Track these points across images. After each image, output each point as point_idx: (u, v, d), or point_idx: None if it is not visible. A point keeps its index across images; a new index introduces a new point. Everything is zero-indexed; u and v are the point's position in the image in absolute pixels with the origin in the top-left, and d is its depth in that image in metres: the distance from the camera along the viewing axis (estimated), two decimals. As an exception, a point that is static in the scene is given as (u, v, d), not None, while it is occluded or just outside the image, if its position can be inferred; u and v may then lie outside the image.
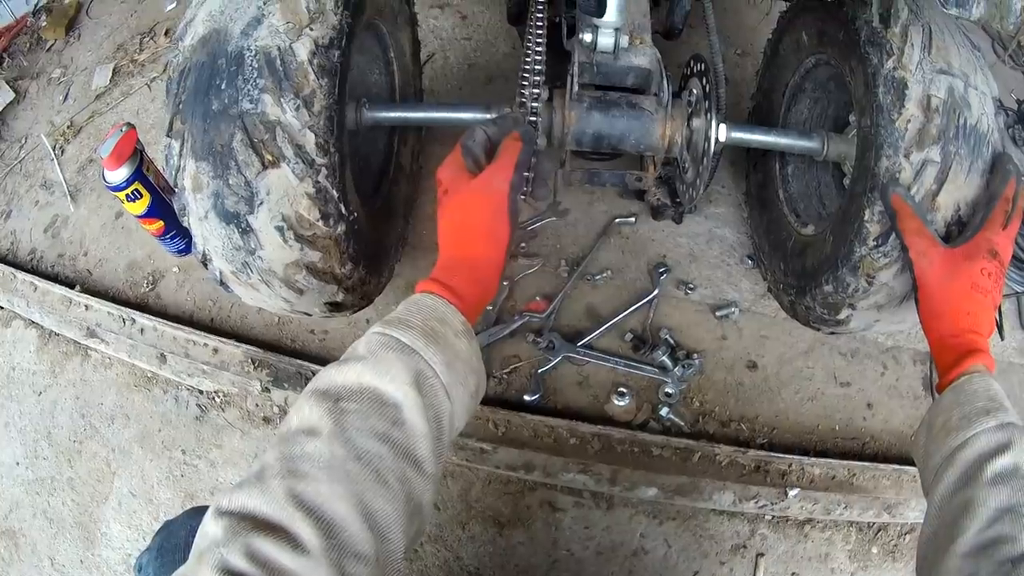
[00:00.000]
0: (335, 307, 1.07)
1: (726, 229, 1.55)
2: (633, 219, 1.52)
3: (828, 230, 1.14)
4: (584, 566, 1.24)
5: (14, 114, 1.83)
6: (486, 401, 1.25)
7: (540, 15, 1.23)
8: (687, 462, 1.27)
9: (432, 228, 0.90)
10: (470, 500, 1.28)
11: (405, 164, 1.40)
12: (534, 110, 1.13)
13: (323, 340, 1.41)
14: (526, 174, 0.92)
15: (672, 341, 1.38)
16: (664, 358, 1.34)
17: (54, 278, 1.53)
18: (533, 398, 1.32)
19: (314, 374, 1.29)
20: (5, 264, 1.56)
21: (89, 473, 1.34)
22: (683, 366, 1.34)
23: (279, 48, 0.88)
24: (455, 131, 1.01)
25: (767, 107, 1.43)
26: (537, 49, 1.18)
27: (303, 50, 0.89)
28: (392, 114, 1.18)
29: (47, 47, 1.94)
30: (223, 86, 0.88)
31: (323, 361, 1.36)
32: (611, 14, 1.13)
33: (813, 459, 1.29)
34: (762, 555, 1.26)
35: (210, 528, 0.56)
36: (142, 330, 1.40)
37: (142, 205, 1.33)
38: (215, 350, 1.36)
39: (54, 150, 1.71)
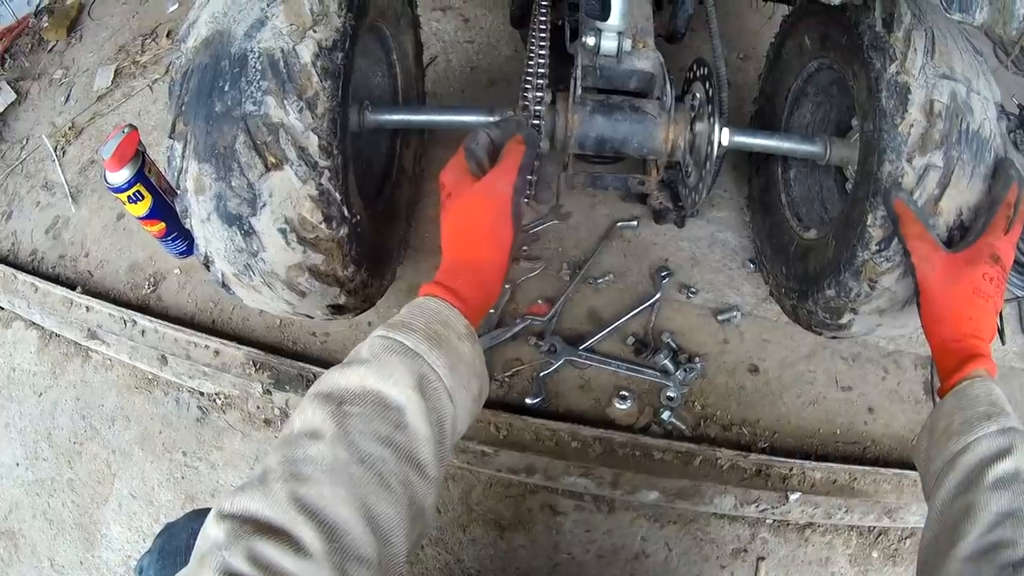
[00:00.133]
0: (337, 310, 1.07)
1: (728, 233, 1.55)
2: (635, 223, 1.52)
3: (830, 234, 1.14)
4: (585, 569, 1.24)
5: (15, 115, 1.83)
6: (488, 404, 1.24)
7: (543, 18, 1.23)
8: (688, 466, 1.27)
9: (434, 231, 0.90)
10: (471, 503, 1.28)
11: (407, 167, 1.40)
12: (537, 113, 1.13)
13: (325, 342, 1.41)
14: (529, 177, 0.92)
15: (674, 345, 1.38)
16: (666, 362, 1.34)
17: (55, 279, 1.53)
18: (535, 401, 1.32)
19: (315, 376, 1.30)
20: (6, 265, 1.56)
21: (89, 474, 1.34)
22: (685, 370, 1.34)
23: (283, 50, 0.88)
24: (457, 134, 1.01)
25: (769, 111, 1.43)
26: (540, 52, 1.18)
27: (307, 52, 0.89)
28: (395, 117, 1.18)
29: (49, 48, 1.95)
30: (226, 88, 0.88)
31: (324, 363, 1.36)
32: (614, 18, 1.13)
33: (814, 463, 1.29)
34: (763, 559, 1.26)
35: (212, 531, 0.56)
36: (143, 332, 1.40)
37: (144, 207, 1.33)
38: (216, 352, 1.36)
39: (55, 151, 1.71)
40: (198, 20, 0.94)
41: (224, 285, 1.02)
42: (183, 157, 0.92)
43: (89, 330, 1.42)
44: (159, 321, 1.40)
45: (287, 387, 1.32)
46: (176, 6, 1.93)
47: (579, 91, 1.16)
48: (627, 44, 1.18)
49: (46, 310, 1.46)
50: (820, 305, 1.13)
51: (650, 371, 1.35)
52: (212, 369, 1.35)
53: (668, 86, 1.18)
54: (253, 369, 1.33)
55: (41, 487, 1.34)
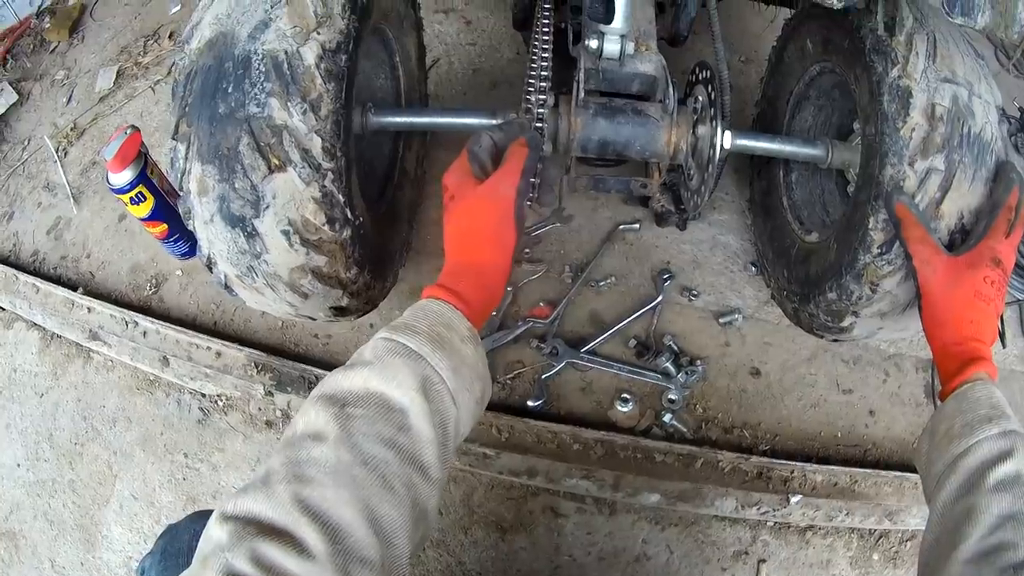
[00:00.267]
0: (340, 311, 1.07)
1: (730, 236, 1.55)
2: (637, 225, 1.52)
3: (832, 238, 1.15)
4: (586, 572, 1.24)
5: (17, 116, 1.83)
6: (490, 406, 1.23)
7: (546, 21, 1.23)
8: (690, 468, 1.27)
9: (436, 233, 0.90)
10: (473, 505, 1.28)
11: (410, 169, 1.40)
12: (540, 116, 1.13)
13: (327, 344, 1.41)
14: (532, 180, 0.92)
15: (675, 347, 1.38)
16: (667, 364, 1.34)
17: (57, 280, 1.53)
18: (536, 404, 1.32)
19: (317, 379, 1.31)
20: (7, 266, 1.56)
21: (90, 476, 1.34)
22: (686, 372, 1.34)
23: (286, 52, 0.88)
24: (460, 136, 1.01)
25: (771, 114, 1.43)
26: (543, 55, 1.18)
27: (310, 54, 0.89)
28: (398, 119, 1.18)
29: (51, 49, 1.95)
30: (230, 89, 0.88)
31: (327, 365, 1.36)
32: (617, 21, 1.13)
33: (815, 466, 1.29)
34: (764, 561, 1.25)
35: (215, 532, 0.56)
36: (145, 333, 1.40)
37: (146, 208, 1.33)
38: (218, 354, 1.36)
39: (57, 152, 1.71)
40: (201, 22, 0.94)
41: (227, 287, 1.02)
42: (186, 158, 0.92)
43: (91, 331, 1.42)
44: (161, 322, 1.40)
45: (289, 389, 1.32)
46: (178, 7, 1.93)
47: (582, 94, 1.16)
48: (630, 47, 1.18)
49: (47, 311, 1.46)
50: (822, 308, 1.13)
51: (652, 374, 1.35)
52: (214, 371, 1.35)
53: (671, 89, 1.18)
54: (255, 371, 1.33)
55: (42, 488, 1.34)
